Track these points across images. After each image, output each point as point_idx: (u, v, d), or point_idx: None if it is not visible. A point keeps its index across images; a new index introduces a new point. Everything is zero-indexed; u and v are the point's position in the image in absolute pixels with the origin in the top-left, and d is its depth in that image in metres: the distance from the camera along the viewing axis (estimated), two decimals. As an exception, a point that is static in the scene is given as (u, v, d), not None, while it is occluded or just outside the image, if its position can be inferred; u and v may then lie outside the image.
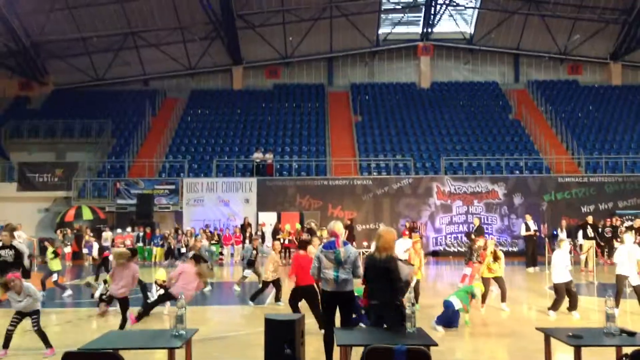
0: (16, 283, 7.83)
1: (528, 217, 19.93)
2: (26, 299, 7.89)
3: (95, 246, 20.82)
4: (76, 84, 33.04)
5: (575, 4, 31.24)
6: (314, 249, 12.14)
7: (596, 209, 23.74)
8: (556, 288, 10.47)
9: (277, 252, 12.73)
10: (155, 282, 11.52)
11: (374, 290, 6.45)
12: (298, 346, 6.97)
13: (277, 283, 12.08)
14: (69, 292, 13.57)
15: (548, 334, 5.83)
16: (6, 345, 7.87)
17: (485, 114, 30.52)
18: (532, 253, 18.83)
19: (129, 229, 21.90)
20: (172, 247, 21.61)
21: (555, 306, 10.47)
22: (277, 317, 7.52)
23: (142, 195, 23.86)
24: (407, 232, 14.64)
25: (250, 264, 14.07)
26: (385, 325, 6.30)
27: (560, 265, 10.40)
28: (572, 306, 10.48)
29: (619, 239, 19.53)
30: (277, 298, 12.09)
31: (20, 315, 7.99)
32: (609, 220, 21.39)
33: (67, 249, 21.53)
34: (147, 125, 30.14)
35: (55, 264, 13.55)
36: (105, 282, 11.32)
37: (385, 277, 6.35)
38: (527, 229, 19.40)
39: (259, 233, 21.22)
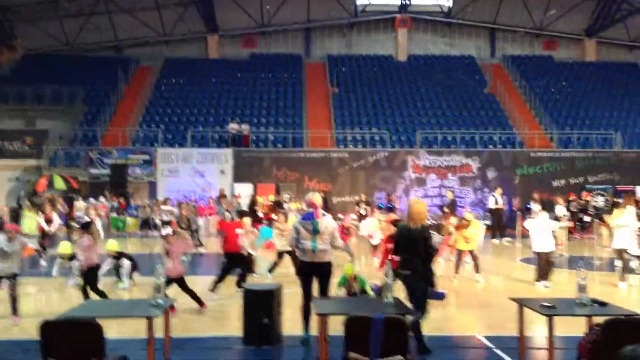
0: (13, 233, 8.18)
1: (498, 191, 20.30)
2: (14, 246, 7.99)
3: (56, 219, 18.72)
4: (46, 49, 32.10)
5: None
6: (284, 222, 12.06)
7: (567, 184, 24.23)
8: (538, 257, 10.71)
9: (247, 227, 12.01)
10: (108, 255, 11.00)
11: (404, 262, 6.46)
12: (276, 315, 7.06)
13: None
14: (43, 262, 13.41)
15: (521, 304, 5.97)
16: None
17: (461, 88, 30.62)
18: (498, 225, 19.33)
19: (102, 199, 21.63)
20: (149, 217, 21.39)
21: (541, 275, 10.65)
22: (255, 287, 7.59)
23: (116, 165, 23.54)
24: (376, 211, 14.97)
25: None
26: (413, 294, 6.39)
27: (538, 233, 10.61)
28: (542, 275, 10.71)
29: (589, 212, 19.99)
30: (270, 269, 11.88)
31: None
32: (572, 194, 21.83)
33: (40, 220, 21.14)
34: (119, 93, 29.54)
35: (30, 226, 13.38)
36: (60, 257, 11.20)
37: (419, 246, 6.38)
38: (496, 202, 19.78)
39: (234, 204, 21.18)
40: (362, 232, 14.11)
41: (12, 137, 25.33)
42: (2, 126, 26.63)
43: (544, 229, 10.66)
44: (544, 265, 10.64)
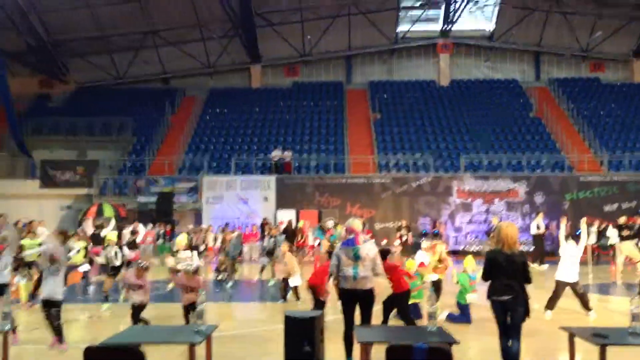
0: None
1: (540, 216, 19.79)
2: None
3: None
4: (97, 83, 33.38)
5: (597, 1, 30.76)
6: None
7: (619, 208, 23.37)
8: (556, 284, 10.20)
9: (285, 252, 12.42)
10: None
11: (503, 287, 6.29)
12: (318, 343, 6.96)
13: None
14: (92, 287, 13.74)
15: (572, 333, 5.74)
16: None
17: (506, 112, 30.19)
18: (540, 251, 18.84)
19: (149, 226, 22.03)
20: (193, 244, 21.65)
21: (549, 304, 10.18)
22: (296, 314, 7.52)
23: (162, 194, 24.02)
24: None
25: (270, 253, 14.28)
26: (512, 320, 6.30)
27: (565, 261, 10.08)
28: (584, 306, 10.21)
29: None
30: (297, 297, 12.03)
31: (46, 305, 8.00)
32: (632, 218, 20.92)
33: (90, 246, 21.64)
34: (166, 123, 30.34)
35: (77, 258, 13.73)
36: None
37: (519, 271, 6.28)
38: (538, 227, 19.26)
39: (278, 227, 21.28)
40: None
41: (65, 167, 26.21)
42: (55, 157, 27.65)
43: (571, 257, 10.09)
44: (578, 297, 10.12)
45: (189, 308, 8.66)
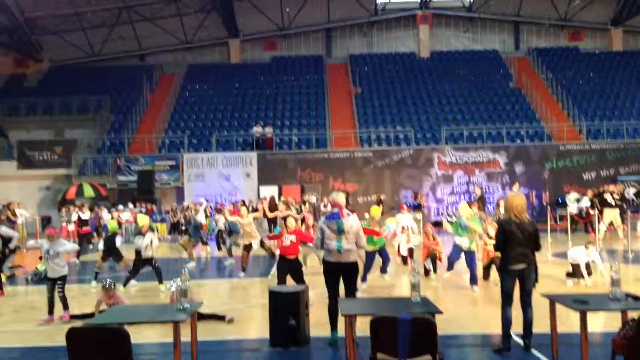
0: (54, 236, 8.48)
1: (516, 186, 19.97)
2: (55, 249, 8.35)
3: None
4: (72, 60, 32.72)
5: (576, -31, 30.75)
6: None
7: (598, 176, 23.74)
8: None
9: (245, 216, 12.55)
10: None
11: (518, 255, 6.32)
12: (303, 317, 7.01)
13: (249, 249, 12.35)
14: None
15: (553, 300, 5.82)
16: (51, 311, 8.38)
17: (486, 82, 30.24)
18: None
19: (130, 205, 21.88)
20: (177, 222, 21.62)
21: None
22: (281, 289, 7.54)
23: (143, 172, 23.82)
24: (404, 207, 14.73)
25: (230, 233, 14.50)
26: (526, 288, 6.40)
27: None
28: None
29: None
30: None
31: (51, 281, 8.39)
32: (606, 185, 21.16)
33: (71, 227, 21.39)
34: (145, 101, 29.91)
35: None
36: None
37: (531, 239, 6.33)
38: None
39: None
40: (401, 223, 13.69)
41: (42, 148, 25.84)
42: (32, 137, 27.21)
43: None
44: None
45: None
